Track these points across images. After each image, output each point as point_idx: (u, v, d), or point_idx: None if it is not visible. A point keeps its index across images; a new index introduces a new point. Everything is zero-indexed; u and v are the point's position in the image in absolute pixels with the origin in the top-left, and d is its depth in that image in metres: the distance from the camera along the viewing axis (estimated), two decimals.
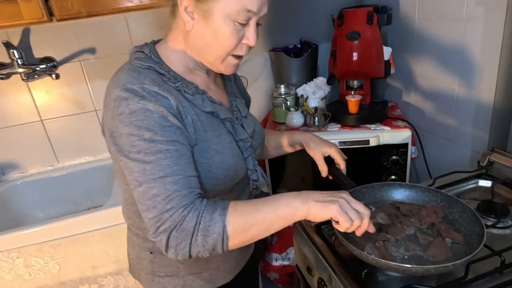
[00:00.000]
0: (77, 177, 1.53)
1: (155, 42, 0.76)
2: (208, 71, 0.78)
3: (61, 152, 1.52)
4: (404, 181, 1.31)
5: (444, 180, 0.98)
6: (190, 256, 0.62)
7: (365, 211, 0.63)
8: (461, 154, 1.24)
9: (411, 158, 1.31)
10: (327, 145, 0.91)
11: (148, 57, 0.71)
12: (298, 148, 0.98)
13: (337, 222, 0.62)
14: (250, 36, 0.68)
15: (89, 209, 1.53)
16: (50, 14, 1.06)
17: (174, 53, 0.73)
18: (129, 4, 1.09)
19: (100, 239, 1.19)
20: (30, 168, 1.51)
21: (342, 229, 0.63)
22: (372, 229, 0.65)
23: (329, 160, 0.91)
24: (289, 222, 0.63)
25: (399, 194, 0.86)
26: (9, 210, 1.40)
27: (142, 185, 0.62)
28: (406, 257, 0.70)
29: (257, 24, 0.70)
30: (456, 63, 1.18)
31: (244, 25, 0.67)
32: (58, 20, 1.06)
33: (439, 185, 0.94)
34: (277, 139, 0.99)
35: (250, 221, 0.61)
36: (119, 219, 1.18)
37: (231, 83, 0.88)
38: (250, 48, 0.71)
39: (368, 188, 0.87)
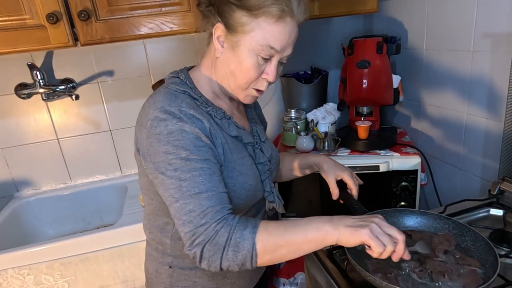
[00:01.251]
0: (88, 195, 1.54)
1: (188, 68, 0.82)
2: (231, 98, 0.83)
3: (74, 170, 1.56)
4: (414, 207, 1.31)
5: (455, 207, 0.98)
6: (221, 269, 0.65)
7: (400, 236, 0.63)
8: (471, 182, 1.24)
9: (421, 185, 1.31)
10: (340, 169, 0.93)
11: (183, 83, 0.76)
12: (311, 171, 1.00)
13: (370, 247, 0.62)
14: (270, 71, 0.74)
15: (98, 227, 1.54)
16: (75, 39, 1.11)
17: (204, 79, 0.79)
18: (150, 31, 1.14)
19: (110, 258, 1.19)
20: (44, 185, 1.53)
21: (375, 255, 0.62)
22: (407, 256, 0.64)
23: (341, 184, 0.92)
24: (319, 246, 0.64)
25: (411, 220, 0.87)
26: (21, 226, 1.42)
27: (178, 201, 0.66)
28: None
29: (281, 63, 0.76)
30: (464, 92, 1.21)
31: (266, 60, 0.72)
32: (82, 45, 1.11)
33: (450, 212, 0.95)
34: (292, 162, 1.02)
35: (279, 242, 0.63)
36: (130, 239, 1.20)
37: (252, 110, 0.93)
38: (269, 83, 0.76)
39: (380, 214, 0.87)
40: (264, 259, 0.64)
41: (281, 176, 1.05)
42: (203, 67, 0.80)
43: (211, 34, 0.75)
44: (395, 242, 0.62)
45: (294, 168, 1.02)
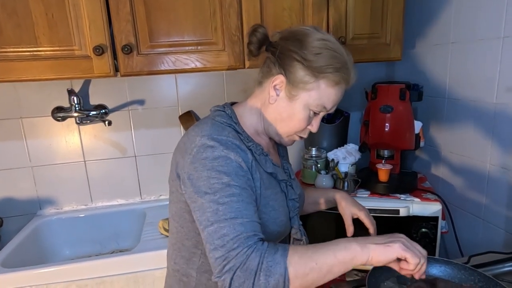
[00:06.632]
0: (107, 218, 1.57)
1: (231, 104, 0.87)
2: (270, 137, 0.88)
3: (96, 192, 1.59)
4: (433, 255, 1.28)
5: (479, 259, 0.96)
6: None
7: (424, 251, 0.66)
8: (494, 233, 1.22)
9: (441, 232, 1.29)
10: (357, 207, 0.97)
11: (228, 117, 0.81)
12: (330, 205, 1.05)
13: (402, 260, 0.65)
14: (315, 124, 0.82)
15: (113, 251, 1.55)
16: (116, 70, 1.19)
17: (249, 117, 0.84)
18: (185, 67, 1.22)
19: (125, 284, 1.19)
20: (66, 205, 1.57)
21: (411, 267, 0.65)
22: (423, 275, 0.67)
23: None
24: (349, 266, 0.65)
25: (434, 269, 0.85)
26: (40, 244, 1.44)
27: (213, 224, 0.67)
28: None
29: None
30: (487, 143, 1.22)
31: (315, 114, 0.80)
32: (122, 76, 1.19)
33: (474, 264, 0.93)
34: (313, 196, 1.06)
35: (310, 264, 0.63)
36: (146, 266, 1.20)
37: (283, 148, 0.98)
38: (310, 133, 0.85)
39: None
40: (296, 283, 0.63)
41: (303, 210, 1.07)
42: (250, 106, 0.84)
43: (262, 76, 0.82)
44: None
45: (315, 202, 1.06)
